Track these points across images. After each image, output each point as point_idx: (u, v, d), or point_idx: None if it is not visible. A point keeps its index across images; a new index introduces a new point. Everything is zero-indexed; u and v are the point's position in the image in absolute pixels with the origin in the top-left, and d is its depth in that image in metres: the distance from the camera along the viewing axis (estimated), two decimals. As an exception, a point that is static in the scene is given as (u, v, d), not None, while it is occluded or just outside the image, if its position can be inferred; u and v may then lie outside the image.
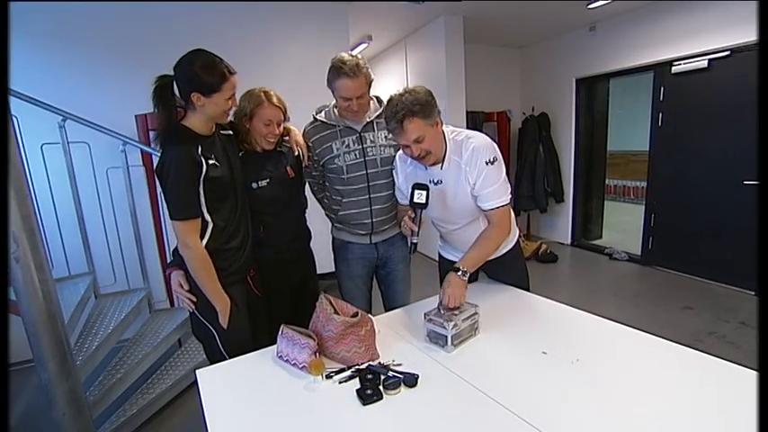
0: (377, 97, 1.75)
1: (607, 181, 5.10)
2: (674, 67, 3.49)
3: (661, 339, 1.23)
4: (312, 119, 1.74)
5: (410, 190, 1.41)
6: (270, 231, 1.65)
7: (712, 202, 3.45)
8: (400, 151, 1.70)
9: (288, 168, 1.69)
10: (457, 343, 1.26)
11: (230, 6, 3.01)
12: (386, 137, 1.69)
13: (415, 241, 1.43)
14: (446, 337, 1.24)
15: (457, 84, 3.93)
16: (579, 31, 4.23)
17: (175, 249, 1.48)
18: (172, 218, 1.30)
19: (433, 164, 1.50)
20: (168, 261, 1.55)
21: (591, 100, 4.57)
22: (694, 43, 3.31)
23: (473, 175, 1.46)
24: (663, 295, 3.39)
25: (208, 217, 1.36)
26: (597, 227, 5.01)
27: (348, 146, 1.66)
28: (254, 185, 1.59)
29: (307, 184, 1.84)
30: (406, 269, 1.91)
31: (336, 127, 1.66)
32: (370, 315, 1.38)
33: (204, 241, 1.35)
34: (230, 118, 1.46)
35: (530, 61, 5.03)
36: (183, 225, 1.30)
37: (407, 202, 1.73)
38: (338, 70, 1.51)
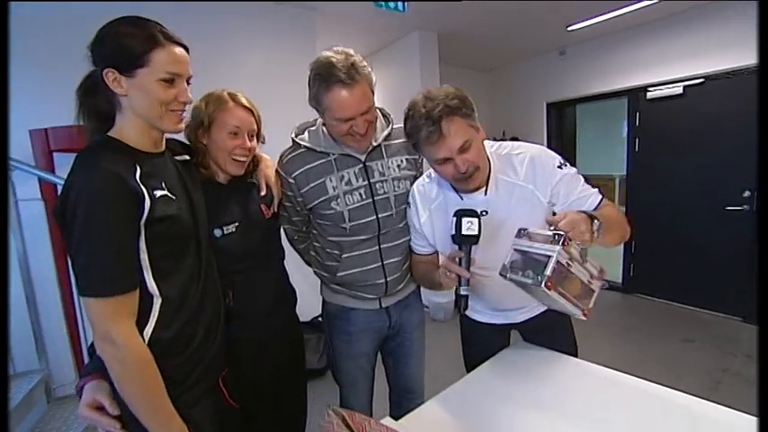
0: (380, 109, 1.29)
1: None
2: (649, 93, 3.47)
3: None
4: (291, 144, 1.24)
5: (453, 220, 1.00)
6: (241, 298, 1.13)
7: (694, 228, 3.40)
8: (418, 181, 1.28)
9: (262, 206, 1.19)
10: (560, 284, 0.86)
11: None
12: (399, 165, 1.24)
13: (464, 293, 1.01)
14: (549, 258, 0.84)
15: (432, 104, 3.63)
16: (549, 54, 4.18)
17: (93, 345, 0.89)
18: (83, 293, 0.76)
19: (475, 189, 1.13)
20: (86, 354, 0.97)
21: (561, 124, 4.52)
22: (669, 70, 3.32)
23: (547, 189, 1.11)
24: (655, 326, 3.22)
25: (153, 287, 0.82)
26: (570, 252, 4.91)
27: (349, 182, 1.18)
28: (217, 233, 1.09)
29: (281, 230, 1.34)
30: (422, 338, 1.44)
31: (330, 155, 1.18)
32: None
33: (146, 331, 0.81)
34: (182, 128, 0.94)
35: (499, 84, 4.92)
36: (106, 305, 0.76)
37: (428, 251, 1.30)
38: (327, 78, 1.04)
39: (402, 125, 1.34)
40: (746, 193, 3.05)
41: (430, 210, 1.21)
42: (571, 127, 4.65)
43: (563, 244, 0.85)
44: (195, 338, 0.89)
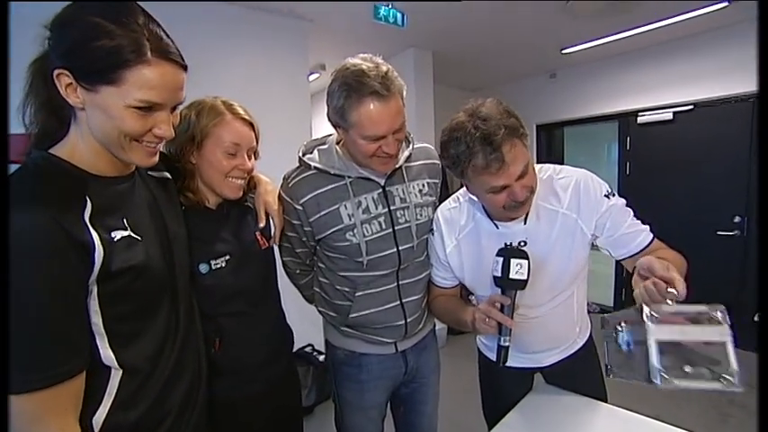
0: None
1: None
2: (639, 118, 3.50)
3: None
4: (299, 164, 1.08)
5: (499, 261, 0.88)
6: (231, 347, 0.94)
7: (685, 253, 3.37)
8: (444, 206, 1.13)
9: (258, 235, 1.02)
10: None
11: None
12: (420, 190, 1.10)
13: (506, 344, 0.90)
14: (724, 344, 0.63)
15: (426, 124, 3.55)
16: (540, 77, 4.20)
17: None
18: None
19: (513, 216, 1.00)
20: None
21: (550, 146, 4.54)
22: (659, 96, 3.36)
23: (592, 219, 0.99)
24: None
25: (109, 357, 0.62)
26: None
27: (367, 209, 1.02)
28: (203, 268, 0.89)
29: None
30: (438, 382, 1.28)
31: (345, 178, 1.02)
32: None
33: (98, 416, 0.61)
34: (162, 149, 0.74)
35: (487, 105, 4.93)
36: (30, 403, 0.54)
37: (451, 284, 1.15)
38: (358, 89, 0.89)
39: (424, 146, 1.21)
40: (737, 219, 3.08)
41: (457, 239, 1.07)
42: (560, 149, 4.68)
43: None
44: (168, 416, 0.68)
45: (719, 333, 0.65)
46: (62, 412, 0.57)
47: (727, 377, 0.65)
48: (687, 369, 0.66)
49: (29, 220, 0.54)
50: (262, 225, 1.01)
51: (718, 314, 0.65)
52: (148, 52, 0.59)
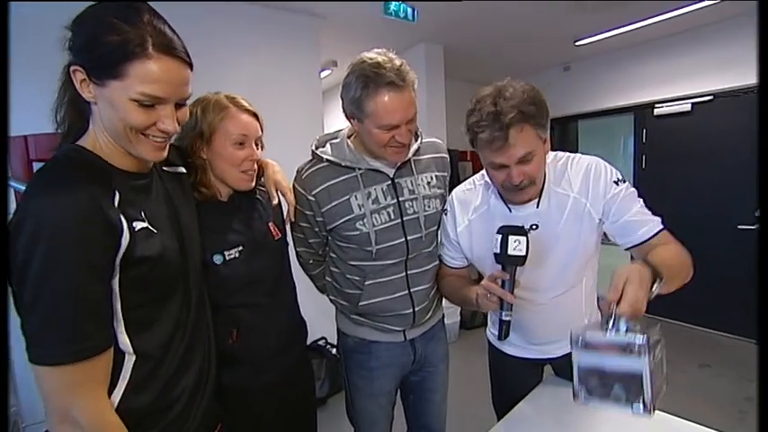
0: None
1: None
2: (656, 110, 3.43)
3: None
4: (311, 157, 1.11)
5: (498, 238, 0.90)
6: (248, 337, 0.97)
7: (705, 247, 3.29)
8: (459, 187, 1.16)
9: (270, 226, 1.04)
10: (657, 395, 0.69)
11: None
12: (428, 183, 1.12)
13: (507, 318, 0.92)
14: (641, 375, 0.67)
15: (437, 118, 3.55)
16: (553, 69, 4.15)
17: None
18: (37, 360, 0.57)
19: (526, 200, 1.03)
20: None
21: (565, 140, 4.47)
22: (676, 87, 3.29)
23: (600, 204, 0.99)
24: (670, 350, 3.07)
25: (125, 342, 0.65)
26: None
27: (376, 200, 1.05)
28: (218, 259, 0.92)
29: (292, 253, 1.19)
30: (447, 372, 1.30)
31: (356, 170, 1.05)
32: None
33: (113, 398, 0.64)
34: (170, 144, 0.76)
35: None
36: (66, 374, 0.58)
37: (460, 264, 1.17)
38: (375, 80, 0.92)
39: (432, 140, 1.23)
40: (758, 213, 2.99)
41: (470, 219, 1.10)
42: (574, 143, 4.61)
43: (649, 351, 0.68)
44: (179, 400, 0.72)
45: (638, 365, 0.68)
46: (98, 384, 0.61)
47: (637, 404, 0.69)
48: (607, 391, 0.72)
49: (71, 198, 0.57)
50: (275, 203, 1.04)
51: (641, 343, 0.68)
52: (150, 47, 0.61)
